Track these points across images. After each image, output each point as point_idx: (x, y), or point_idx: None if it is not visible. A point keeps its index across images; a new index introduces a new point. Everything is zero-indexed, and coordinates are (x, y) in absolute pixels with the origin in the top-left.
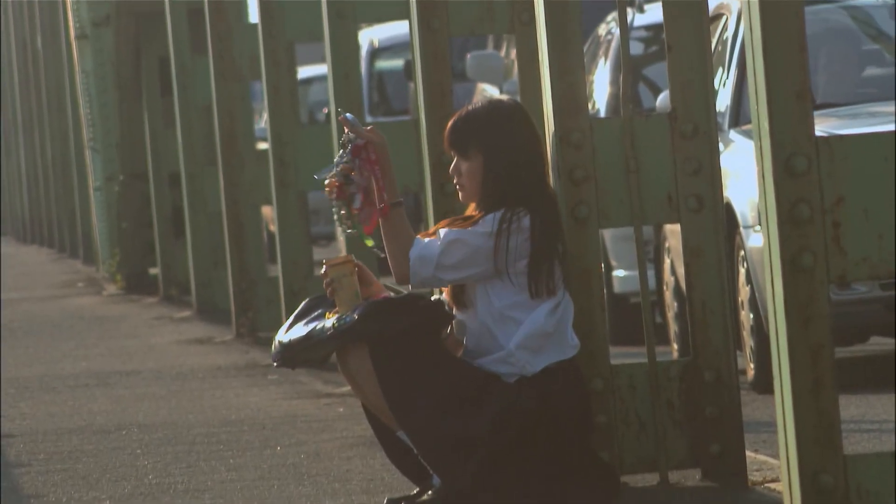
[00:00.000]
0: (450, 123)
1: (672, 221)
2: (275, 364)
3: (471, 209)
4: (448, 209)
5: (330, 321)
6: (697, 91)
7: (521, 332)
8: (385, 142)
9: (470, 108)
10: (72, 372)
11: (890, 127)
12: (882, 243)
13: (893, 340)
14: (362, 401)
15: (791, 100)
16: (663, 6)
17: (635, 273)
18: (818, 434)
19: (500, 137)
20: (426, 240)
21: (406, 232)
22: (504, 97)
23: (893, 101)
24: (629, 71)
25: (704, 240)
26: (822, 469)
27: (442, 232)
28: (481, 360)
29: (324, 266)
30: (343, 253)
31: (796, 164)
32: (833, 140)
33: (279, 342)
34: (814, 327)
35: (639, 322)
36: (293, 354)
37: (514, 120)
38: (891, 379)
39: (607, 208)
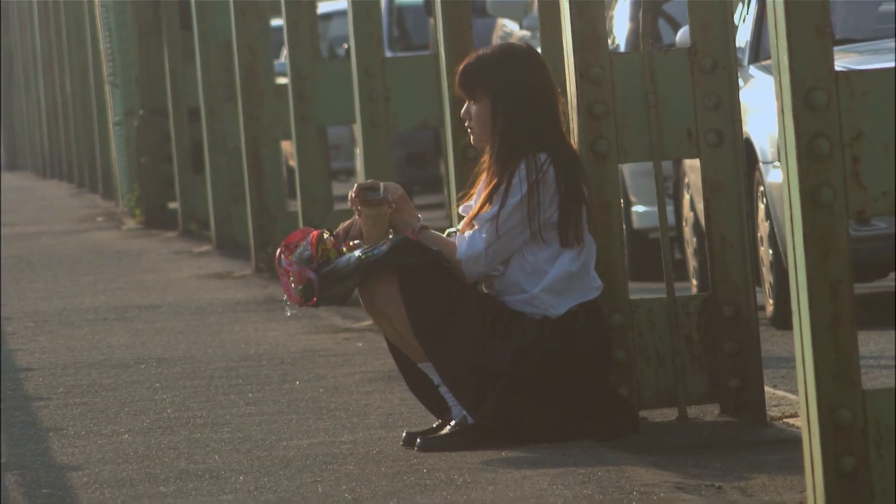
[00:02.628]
0: (460, 67)
1: (691, 156)
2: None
3: (486, 155)
4: (467, 143)
5: (357, 252)
6: (717, 26)
7: (547, 278)
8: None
9: (480, 51)
10: (91, 306)
11: None
12: None
13: None
14: (385, 332)
15: (811, 34)
16: None
17: (654, 208)
18: (836, 369)
19: (508, 81)
20: (467, 235)
21: (440, 243)
22: (518, 41)
23: None
24: (648, 5)
25: (724, 175)
26: (840, 404)
27: (480, 223)
28: (506, 298)
29: (351, 193)
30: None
31: (816, 99)
32: (853, 75)
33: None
34: (833, 262)
35: (658, 258)
36: (318, 287)
37: (524, 64)
38: None
39: (626, 143)
